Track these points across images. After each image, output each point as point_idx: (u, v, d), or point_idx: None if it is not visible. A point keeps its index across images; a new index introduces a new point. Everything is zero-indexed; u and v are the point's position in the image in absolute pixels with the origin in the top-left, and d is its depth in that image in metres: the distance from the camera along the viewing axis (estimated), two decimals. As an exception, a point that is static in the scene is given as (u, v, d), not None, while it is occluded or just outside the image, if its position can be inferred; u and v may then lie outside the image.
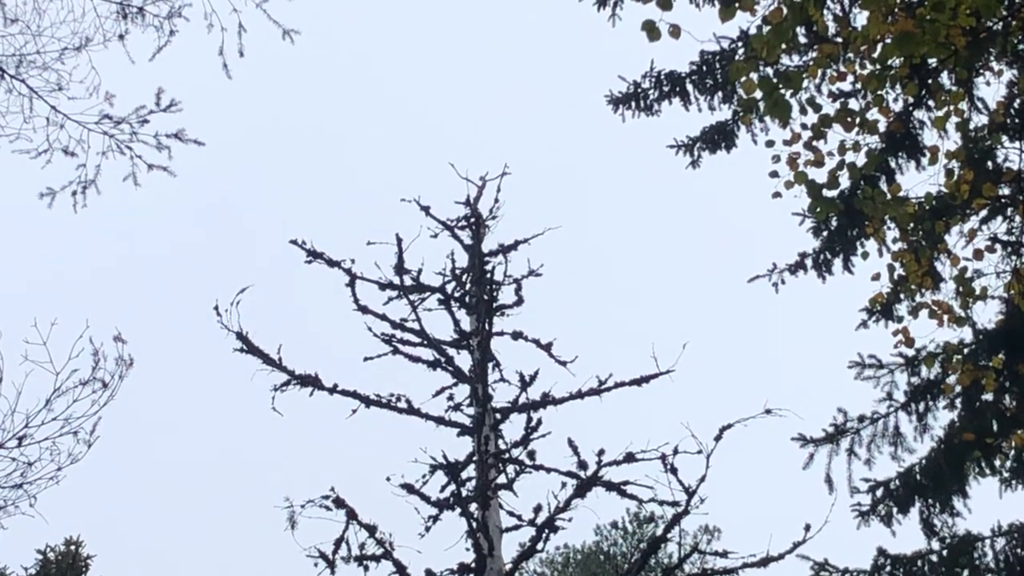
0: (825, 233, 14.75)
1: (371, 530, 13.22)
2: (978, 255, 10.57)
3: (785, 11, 8.04)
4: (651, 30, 7.11)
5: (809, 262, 15.12)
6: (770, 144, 9.56)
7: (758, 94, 7.75)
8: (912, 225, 10.82)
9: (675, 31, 7.11)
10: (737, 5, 7.32)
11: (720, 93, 15.00)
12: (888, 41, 8.49)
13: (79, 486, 12.24)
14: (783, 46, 7.68)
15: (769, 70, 12.98)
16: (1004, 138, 12.57)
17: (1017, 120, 12.47)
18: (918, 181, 14.51)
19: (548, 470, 14.45)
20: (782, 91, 7.23)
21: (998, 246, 12.56)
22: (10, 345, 11.28)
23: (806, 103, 9.03)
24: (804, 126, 9.14)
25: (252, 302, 14.41)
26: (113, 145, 13.64)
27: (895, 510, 14.58)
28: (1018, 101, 12.53)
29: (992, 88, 17.58)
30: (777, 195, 9.57)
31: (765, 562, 13.15)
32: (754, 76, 7.56)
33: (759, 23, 8.69)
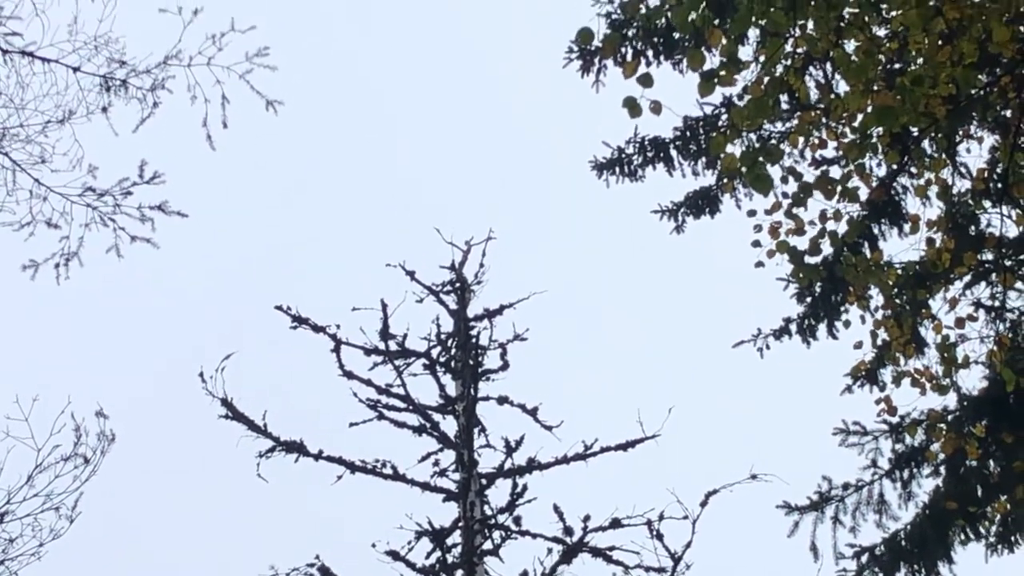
0: (809, 299, 14.78)
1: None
2: (960, 324, 10.61)
3: (766, 81, 8.11)
4: (632, 106, 7.15)
5: (793, 327, 15.14)
6: (752, 213, 9.62)
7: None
8: (895, 291, 10.87)
9: (656, 107, 7.16)
10: (716, 80, 7.36)
11: (704, 159, 15.06)
12: (869, 111, 8.56)
13: (61, 562, 12.18)
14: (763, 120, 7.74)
15: (753, 135, 13.09)
16: (987, 203, 12.63)
17: (999, 185, 12.53)
18: (901, 247, 14.57)
19: (534, 536, 14.41)
20: (763, 164, 7.27)
21: (981, 311, 12.60)
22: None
23: (787, 172, 9.10)
24: (785, 194, 9.20)
25: (237, 369, 14.40)
26: (96, 217, 13.64)
27: (881, 576, 14.55)
28: (1000, 166, 12.60)
29: (974, 153, 17.69)
30: (760, 264, 9.63)
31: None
32: (735, 150, 7.60)
33: (740, 92, 8.78)
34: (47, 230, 13.64)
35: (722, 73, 7.58)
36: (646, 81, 7.18)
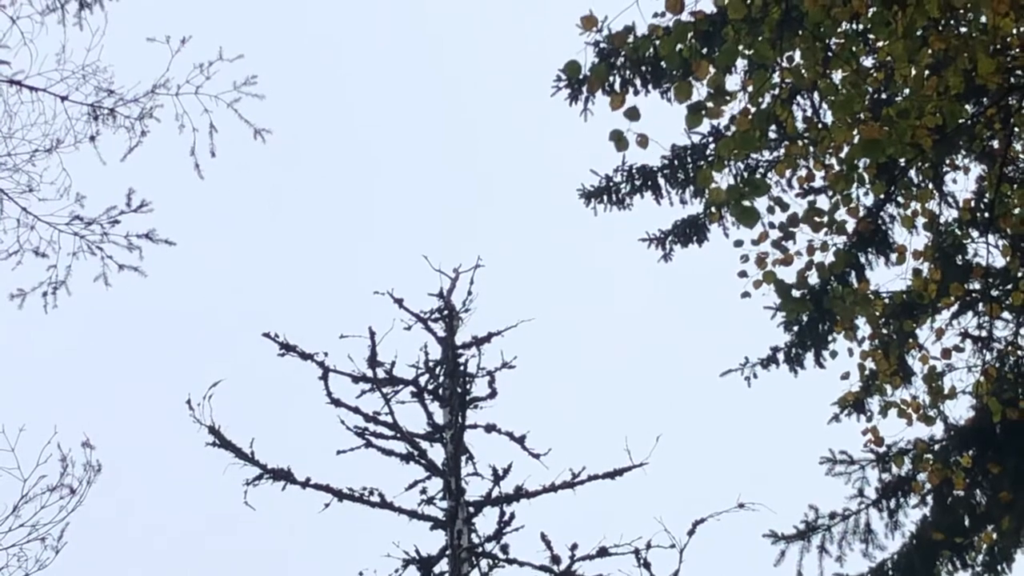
0: (796, 328, 14.80)
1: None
2: (946, 354, 10.64)
3: (752, 111, 8.13)
4: (619, 139, 7.18)
5: (781, 356, 15.16)
6: (739, 244, 9.65)
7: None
8: (882, 321, 10.90)
9: (643, 141, 7.18)
10: (703, 113, 7.38)
11: (691, 187, 15.09)
12: (855, 142, 8.59)
13: (47, 594, 12.12)
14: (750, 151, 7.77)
15: (740, 164, 13.12)
16: (975, 233, 12.67)
17: (986, 215, 12.57)
18: (888, 277, 14.62)
19: (521, 564, 14.36)
20: (748, 198, 7.29)
21: (968, 341, 12.63)
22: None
23: (774, 202, 9.12)
24: (772, 225, 9.22)
25: (224, 396, 14.37)
26: (84, 246, 13.65)
27: (868, 606, 14.54)
28: (987, 196, 12.65)
29: (961, 183, 17.77)
30: (746, 295, 9.66)
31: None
32: (722, 183, 7.62)
33: (728, 122, 8.80)
34: (35, 259, 13.66)
35: (709, 105, 7.60)
36: (633, 115, 7.21)
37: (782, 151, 10.98)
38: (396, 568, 14.26)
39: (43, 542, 11.66)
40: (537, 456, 15.21)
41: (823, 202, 9.41)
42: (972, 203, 12.05)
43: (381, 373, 15.71)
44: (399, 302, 16.32)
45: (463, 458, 15.08)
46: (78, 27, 13.41)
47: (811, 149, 9.77)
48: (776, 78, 8.59)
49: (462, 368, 15.75)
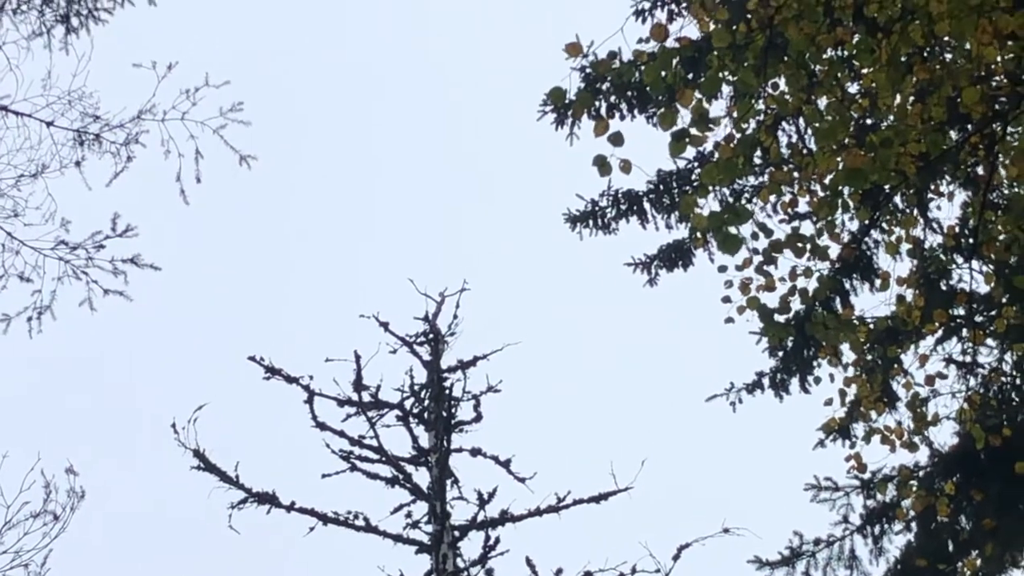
0: (781, 353, 14.81)
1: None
2: (930, 381, 10.66)
3: (736, 138, 8.16)
4: (602, 165, 7.20)
5: (766, 381, 15.16)
6: (722, 269, 9.65)
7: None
8: (867, 347, 10.91)
9: (626, 167, 7.20)
10: (687, 140, 7.40)
11: (677, 212, 15.10)
12: (839, 169, 8.60)
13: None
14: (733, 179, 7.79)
15: (726, 190, 13.13)
16: (959, 259, 12.69)
17: (970, 241, 12.60)
18: (873, 303, 14.63)
19: (507, 588, 14.38)
20: (731, 224, 7.30)
21: (952, 367, 12.66)
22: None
23: (758, 228, 9.13)
24: (756, 251, 9.23)
25: (209, 420, 14.36)
26: (69, 271, 13.68)
27: (852, 631, 14.53)
28: (971, 223, 12.68)
29: (945, 210, 17.80)
30: (729, 320, 9.66)
31: None
32: (705, 210, 7.64)
33: (712, 148, 8.82)
34: (20, 283, 13.66)
35: (693, 132, 7.62)
36: (616, 140, 7.22)
37: (766, 177, 10.99)
38: (381, 592, 14.25)
39: (26, 568, 11.68)
40: (522, 480, 15.22)
41: (807, 228, 9.42)
42: (956, 229, 12.07)
43: (366, 397, 15.72)
44: (384, 326, 16.32)
45: (448, 482, 15.09)
46: (64, 52, 13.47)
47: (795, 175, 9.78)
48: (760, 105, 8.62)
49: (447, 392, 15.76)
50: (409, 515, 14.98)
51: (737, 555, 14.63)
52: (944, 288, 12.98)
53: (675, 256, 15.55)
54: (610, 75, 11.55)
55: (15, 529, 11.64)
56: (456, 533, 14.80)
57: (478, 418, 15.76)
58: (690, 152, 14.40)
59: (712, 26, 8.79)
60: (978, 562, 13.36)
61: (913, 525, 14.13)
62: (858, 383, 10.60)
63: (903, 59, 8.69)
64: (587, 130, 14.30)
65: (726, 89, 10.36)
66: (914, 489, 12.36)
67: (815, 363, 14.33)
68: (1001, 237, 10.04)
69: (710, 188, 8.17)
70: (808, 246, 9.01)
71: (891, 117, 9.27)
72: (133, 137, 13.73)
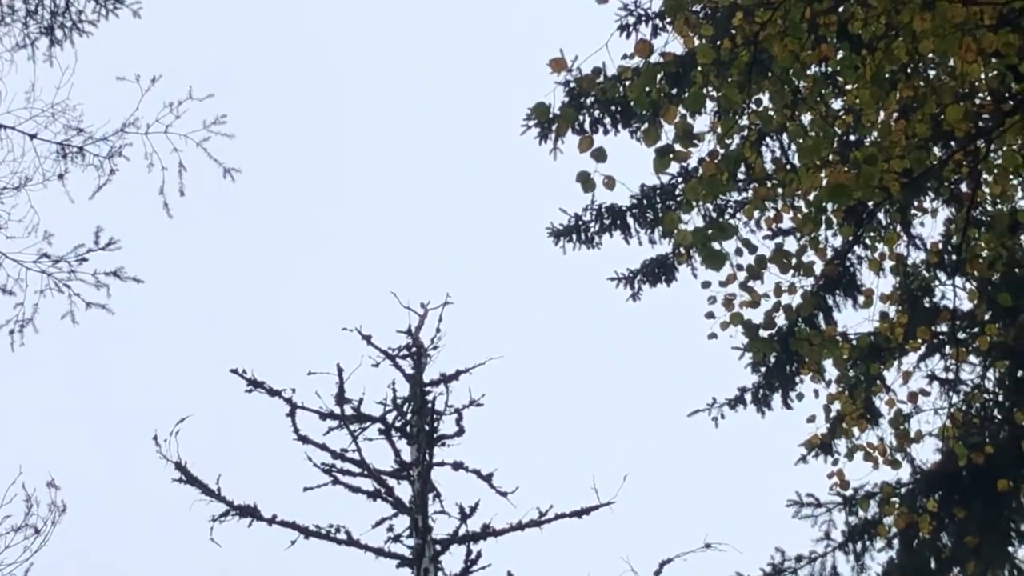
0: (764, 369, 14.82)
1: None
2: (913, 398, 10.67)
3: (720, 153, 8.15)
4: (586, 181, 7.18)
5: (749, 397, 15.17)
6: (706, 285, 9.65)
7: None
8: (850, 364, 10.92)
9: (610, 183, 7.18)
10: (671, 156, 7.39)
11: (660, 227, 15.10)
12: (823, 186, 8.61)
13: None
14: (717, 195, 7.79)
15: (709, 205, 13.14)
16: (942, 276, 12.72)
17: (954, 258, 12.62)
18: (856, 319, 14.67)
19: (488, 602, 14.34)
20: (715, 240, 7.29)
21: (935, 384, 12.67)
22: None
23: (742, 243, 9.13)
24: (740, 267, 9.22)
25: (191, 433, 14.32)
26: (51, 283, 13.65)
27: (833, 647, 14.51)
28: (954, 239, 12.70)
29: (928, 226, 17.84)
30: (713, 336, 9.66)
31: None
32: (688, 226, 7.62)
33: (696, 164, 8.81)
34: (2, 296, 13.62)
35: (677, 148, 7.61)
36: (599, 156, 7.21)
37: (750, 193, 10.99)
38: (362, 606, 14.22)
39: (7, 582, 11.62)
40: (504, 494, 15.19)
41: (791, 244, 9.42)
42: (940, 246, 12.08)
43: (349, 410, 15.67)
44: (367, 339, 16.28)
45: (430, 496, 15.04)
46: (48, 64, 13.45)
47: (779, 191, 9.78)
48: (744, 121, 8.62)
49: (430, 405, 15.73)
50: (391, 529, 14.94)
51: (719, 571, 14.62)
52: (927, 305, 13.00)
53: (658, 271, 15.55)
54: (594, 91, 11.56)
55: (-5, 543, 11.60)
56: (438, 547, 14.76)
57: (460, 432, 15.72)
58: (674, 168, 14.52)
59: (696, 42, 8.81)
60: (960, 580, 13.37)
61: (895, 542, 14.11)
62: (841, 399, 10.61)
63: (887, 76, 8.71)
64: (571, 145, 14.44)
65: (710, 105, 10.37)
66: (896, 506, 12.36)
67: (798, 379, 14.35)
68: (984, 254, 10.05)
69: (694, 204, 8.17)
70: (793, 262, 9.00)
71: (875, 134, 9.30)
72: (116, 150, 13.73)
